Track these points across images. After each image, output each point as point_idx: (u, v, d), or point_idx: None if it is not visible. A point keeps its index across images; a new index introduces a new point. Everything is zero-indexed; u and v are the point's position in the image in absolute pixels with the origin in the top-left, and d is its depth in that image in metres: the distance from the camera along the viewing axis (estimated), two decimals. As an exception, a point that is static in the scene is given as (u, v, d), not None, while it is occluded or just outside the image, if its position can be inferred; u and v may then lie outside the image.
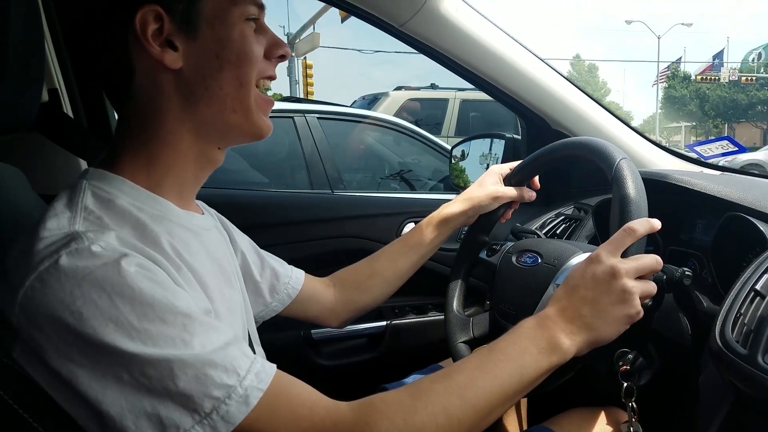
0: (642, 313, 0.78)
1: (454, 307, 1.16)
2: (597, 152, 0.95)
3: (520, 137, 1.64)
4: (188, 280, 0.68)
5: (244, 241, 1.02)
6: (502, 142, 1.70)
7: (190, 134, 0.73)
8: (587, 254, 0.88)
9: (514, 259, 1.08)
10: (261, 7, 0.75)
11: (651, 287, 0.79)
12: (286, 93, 15.75)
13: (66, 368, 0.56)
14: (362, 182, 4.03)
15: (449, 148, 2.02)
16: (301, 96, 13.69)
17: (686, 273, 0.84)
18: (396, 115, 6.37)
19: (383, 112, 6.34)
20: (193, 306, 0.62)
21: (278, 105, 3.66)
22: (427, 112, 6.98)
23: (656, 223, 0.81)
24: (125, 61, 0.69)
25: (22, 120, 0.81)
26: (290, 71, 14.30)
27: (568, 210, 1.45)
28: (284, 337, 1.42)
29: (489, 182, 1.18)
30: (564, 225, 1.39)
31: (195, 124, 0.73)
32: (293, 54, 14.06)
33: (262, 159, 3.43)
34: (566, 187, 1.57)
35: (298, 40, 13.71)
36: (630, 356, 0.88)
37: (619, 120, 1.51)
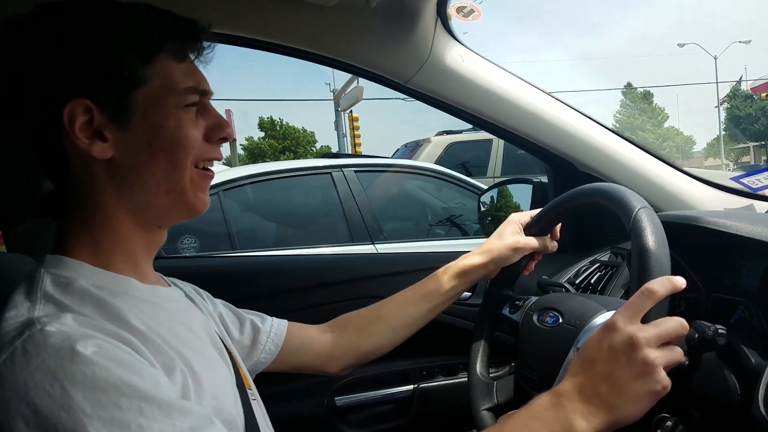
0: (669, 387, 0.70)
1: (477, 369, 1.10)
2: (615, 200, 0.89)
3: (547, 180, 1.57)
4: (159, 351, 0.66)
5: (219, 303, 1.02)
6: (530, 186, 1.64)
7: (128, 216, 0.74)
8: (611, 313, 0.81)
9: (535, 318, 1.01)
10: (204, 93, 0.76)
11: (676, 355, 0.72)
12: (335, 147, 16.12)
13: None
14: (406, 231, 4.00)
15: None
16: (349, 148, 13.96)
17: (719, 331, 0.75)
18: (439, 160, 6.35)
19: (425, 158, 6.34)
20: (158, 383, 0.61)
21: (315, 162, 3.72)
22: (471, 154, 6.92)
23: (679, 282, 0.73)
24: (57, 150, 0.70)
25: (27, 210, 0.82)
26: (337, 125, 14.65)
27: (605, 256, 1.35)
28: (307, 406, 1.37)
29: (508, 232, 1.13)
30: (599, 273, 1.30)
31: (131, 207, 0.73)
32: (339, 108, 14.43)
33: (301, 215, 3.47)
34: (602, 231, 1.47)
35: (342, 95, 14.11)
36: (669, 423, 0.78)
37: (654, 156, 1.42)
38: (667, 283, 0.73)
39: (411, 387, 1.44)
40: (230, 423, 0.72)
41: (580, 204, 1.03)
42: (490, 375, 1.10)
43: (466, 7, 1.16)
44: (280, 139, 27.08)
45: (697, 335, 0.76)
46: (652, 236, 0.79)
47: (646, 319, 0.71)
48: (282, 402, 1.32)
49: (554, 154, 1.39)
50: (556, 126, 1.36)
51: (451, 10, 1.18)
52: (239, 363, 0.92)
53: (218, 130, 0.77)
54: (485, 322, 1.15)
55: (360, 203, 3.44)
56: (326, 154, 4.37)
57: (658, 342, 0.70)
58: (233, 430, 0.72)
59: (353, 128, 14.22)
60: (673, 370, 0.72)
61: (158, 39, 0.71)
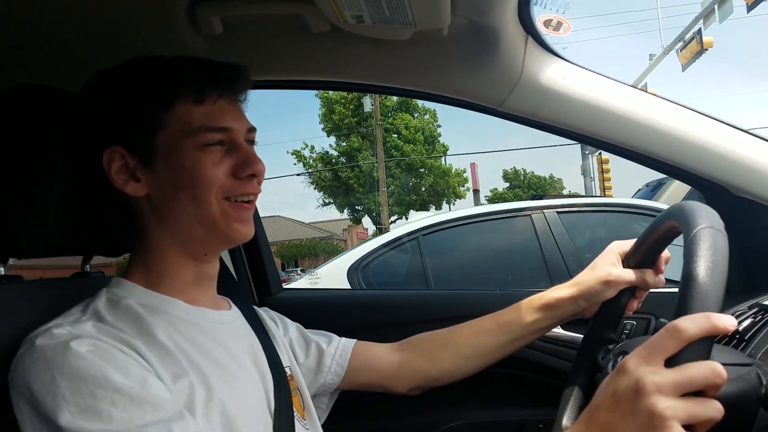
0: None
1: (563, 422, 0.95)
2: (682, 218, 0.73)
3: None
4: (173, 362, 0.74)
5: (292, 328, 1.07)
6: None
7: (172, 244, 0.83)
8: None
9: (610, 365, 0.85)
10: (226, 130, 0.81)
11: (705, 411, 0.55)
12: (582, 192, 15.28)
13: None
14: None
15: None
16: (598, 193, 13.11)
17: None
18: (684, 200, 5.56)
19: (667, 198, 5.62)
20: (144, 382, 0.68)
21: (515, 204, 3.62)
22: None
23: (722, 323, 0.57)
24: (117, 193, 0.82)
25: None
26: (584, 170, 13.91)
27: None
28: None
29: (602, 263, 0.99)
30: (752, 319, 1.01)
31: (173, 237, 0.82)
32: (586, 152, 13.72)
33: (498, 259, 3.40)
34: None
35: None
36: None
37: None
38: (703, 322, 0.57)
39: (523, 439, 1.28)
40: None
41: (667, 228, 0.85)
42: None
43: (552, 20, 1.06)
44: (525, 188, 26.97)
45: (748, 384, 0.62)
46: (706, 262, 0.63)
47: (672, 363, 0.57)
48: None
49: (696, 176, 1.15)
50: (698, 146, 1.13)
51: (538, 24, 1.09)
52: (299, 391, 0.96)
53: (244, 167, 0.81)
54: (581, 367, 0.99)
55: (562, 246, 3.22)
56: (534, 196, 4.20)
57: (677, 390, 0.55)
58: None
59: (602, 171, 13.39)
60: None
61: (176, 87, 0.80)
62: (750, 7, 10.83)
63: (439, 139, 22.96)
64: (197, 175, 0.79)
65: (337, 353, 1.06)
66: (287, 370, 0.94)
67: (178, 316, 0.80)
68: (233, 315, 0.92)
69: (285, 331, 1.05)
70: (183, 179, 0.79)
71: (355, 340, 1.10)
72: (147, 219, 0.83)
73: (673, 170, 1.18)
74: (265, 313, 1.06)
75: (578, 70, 1.16)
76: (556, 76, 1.15)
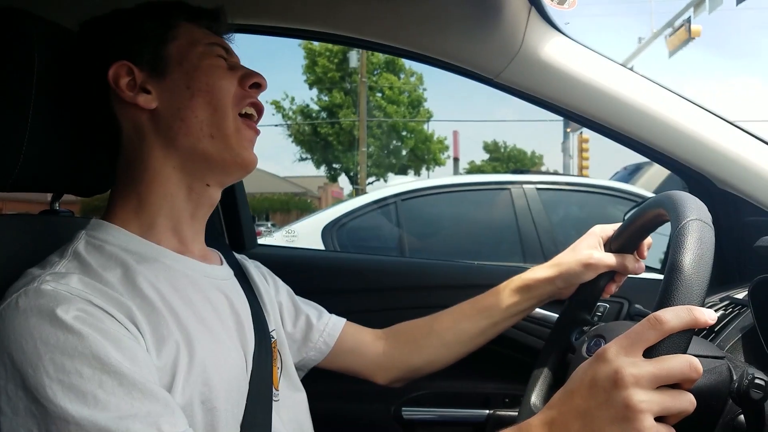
0: None
1: (532, 400, 0.97)
2: (670, 208, 0.73)
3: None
4: (160, 323, 0.68)
5: (283, 292, 1.01)
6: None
7: (176, 171, 0.78)
8: None
9: (584, 347, 0.86)
10: (228, 50, 0.82)
11: (677, 404, 0.56)
12: (560, 169, 15.41)
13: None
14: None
15: None
16: (575, 171, 13.23)
17: (756, 380, 0.60)
18: (661, 186, 5.65)
19: (644, 183, 5.69)
20: (135, 358, 0.62)
21: (496, 177, 3.63)
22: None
23: (702, 317, 0.57)
24: (110, 117, 0.78)
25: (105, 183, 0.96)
26: (564, 147, 14.00)
27: (741, 293, 1.07)
28: (371, 411, 1.33)
29: (584, 246, 0.99)
30: (722, 312, 1.03)
31: (178, 159, 0.77)
32: (568, 129, 13.78)
33: (473, 230, 3.42)
34: (743, 264, 1.18)
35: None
36: None
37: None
38: (685, 314, 0.57)
39: (486, 412, 1.30)
40: (219, 413, 0.71)
41: (653, 216, 0.86)
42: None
43: (559, -9, 1.03)
44: (505, 161, 27.06)
45: (718, 381, 0.63)
46: (692, 254, 0.63)
47: (651, 354, 0.57)
48: (350, 402, 1.31)
49: (683, 165, 1.15)
50: (688, 135, 1.12)
51: (543, -5, 1.06)
52: (280, 359, 0.91)
53: (249, 78, 0.80)
54: (553, 347, 1.01)
55: (538, 222, 3.25)
56: (515, 170, 4.21)
57: (654, 383, 0.55)
58: (220, 422, 0.71)
59: (582, 150, 13.50)
60: (686, 424, 0.57)
61: (177, 11, 0.81)
62: (739, 0, 10.84)
63: (424, 104, 22.57)
64: (213, 80, 0.77)
65: (325, 330, 1.01)
66: (272, 335, 0.89)
67: (168, 266, 0.75)
68: (225, 272, 0.86)
69: (276, 292, 0.99)
70: (199, 83, 0.76)
71: (345, 320, 1.05)
72: (147, 139, 0.77)
73: (661, 157, 1.18)
74: (257, 269, 1.00)
75: (578, 47, 1.13)
76: (555, 51, 1.12)
